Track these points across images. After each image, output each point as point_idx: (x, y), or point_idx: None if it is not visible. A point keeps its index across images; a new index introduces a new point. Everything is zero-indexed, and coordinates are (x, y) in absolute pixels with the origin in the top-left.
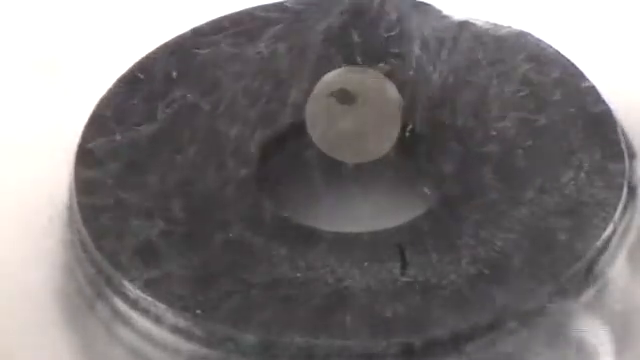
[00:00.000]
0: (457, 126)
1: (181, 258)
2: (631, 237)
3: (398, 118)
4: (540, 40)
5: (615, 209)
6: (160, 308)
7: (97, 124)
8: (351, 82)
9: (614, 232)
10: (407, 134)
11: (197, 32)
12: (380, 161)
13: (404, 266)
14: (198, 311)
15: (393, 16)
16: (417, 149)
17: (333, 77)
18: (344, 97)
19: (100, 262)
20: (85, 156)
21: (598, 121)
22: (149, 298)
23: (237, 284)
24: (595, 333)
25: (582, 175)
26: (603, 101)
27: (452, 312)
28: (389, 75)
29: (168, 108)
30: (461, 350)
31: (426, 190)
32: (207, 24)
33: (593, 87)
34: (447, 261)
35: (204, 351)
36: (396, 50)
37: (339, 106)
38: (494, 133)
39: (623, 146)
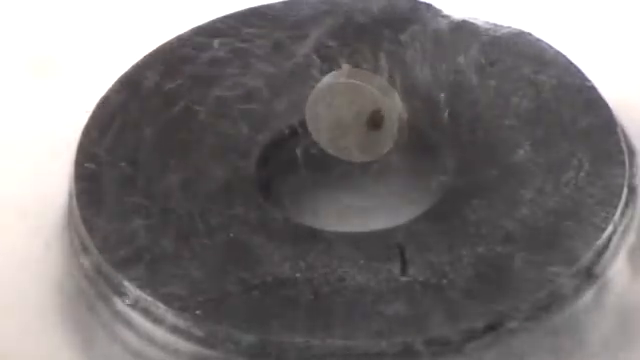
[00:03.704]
0: (457, 126)
1: (181, 258)
2: (631, 237)
3: (397, 122)
4: (540, 40)
5: (615, 209)
6: (160, 308)
7: (97, 124)
8: (351, 86)
9: (614, 232)
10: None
11: (197, 32)
12: (380, 161)
13: (404, 266)
14: (198, 311)
15: (393, 16)
16: (417, 149)
17: (333, 79)
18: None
19: (100, 262)
20: (85, 156)
21: (598, 121)
22: (149, 298)
23: (237, 284)
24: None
25: (582, 175)
26: (603, 101)
27: (452, 312)
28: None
29: (168, 108)
30: (461, 350)
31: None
32: (207, 24)
33: (593, 87)
34: (447, 261)
35: (204, 351)
36: (397, 49)
37: (340, 105)
38: (494, 133)
39: (623, 146)
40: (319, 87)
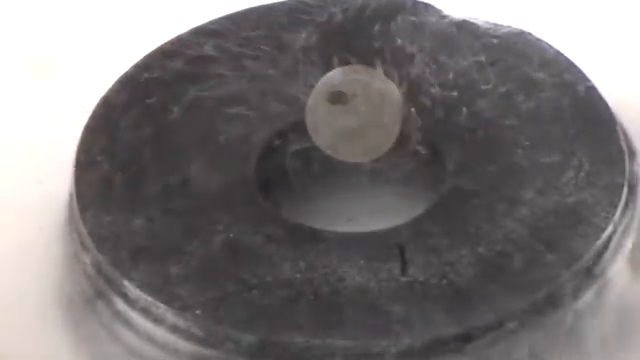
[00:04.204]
0: (457, 126)
1: (181, 258)
2: (631, 237)
3: (398, 117)
4: (540, 40)
5: (615, 209)
6: (160, 308)
7: (97, 124)
8: (351, 83)
9: (614, 232)
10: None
11: (197, 32)
12: (380, 161)
13: (404, 266)
14: (198, 311)
15: (392, 15)
16: (417, 149)
17: (333, 77)
18: (339, 98)
19: (100, 262)
20: (85, 156)
21: (598, 121)
22: (149, 298)
23: (237, 284)
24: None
25: (582, 175)
26: (603, 101)
27: (452, 312)
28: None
29: (168, 109)
30: (461, 350)
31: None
32: (207, 24)
33: (593, 87)
34: (447, 261)
35: (204, 351)
36: (396, 49)
37: (339, 105)
38: (494, 133)
39: (623, 146)
40: (318, 87)
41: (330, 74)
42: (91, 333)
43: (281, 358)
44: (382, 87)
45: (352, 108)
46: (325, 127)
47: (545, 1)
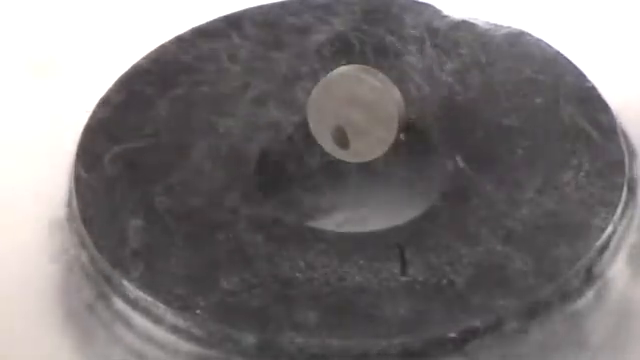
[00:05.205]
0: (457, 126)
1: (181, 258)
2: (631, 237)
3: (397, 117)
4: (540, 40)
5: (615, 209)
6: (160, 308)
7: (97, 125)
8: (351, 83)
9: (614, 232)
10: (402, 137)
11: (197, 32)
12: (380, 161)
13: (404, 266)
14: (198, 311)
15: (394, 16)
16: (417, 149)
17: (334, 77)
18: (342, 138)
19: (100, 262)
20: (85, 157)
21: (598, 121)
22: (149, 298)
23: (237, 284)
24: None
25: (582, 175)
26: (603, 101)
27: (452, 312)
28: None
29: (168, 108)
30: (461, 350)
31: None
32: (207, 24)
33: (593, 87)
34: (447, 261)
35: (204, 351)
36: (397, 50)
37: (340, 105)
38: (494, 133)
39: (623, 146)
40: (318, 87)
41: (332, 74)
42: (91, 333)
43: (281, 358)
44: (383, 88)
45: (353, 109)
46: (326, 127)
47: (545, 1)
